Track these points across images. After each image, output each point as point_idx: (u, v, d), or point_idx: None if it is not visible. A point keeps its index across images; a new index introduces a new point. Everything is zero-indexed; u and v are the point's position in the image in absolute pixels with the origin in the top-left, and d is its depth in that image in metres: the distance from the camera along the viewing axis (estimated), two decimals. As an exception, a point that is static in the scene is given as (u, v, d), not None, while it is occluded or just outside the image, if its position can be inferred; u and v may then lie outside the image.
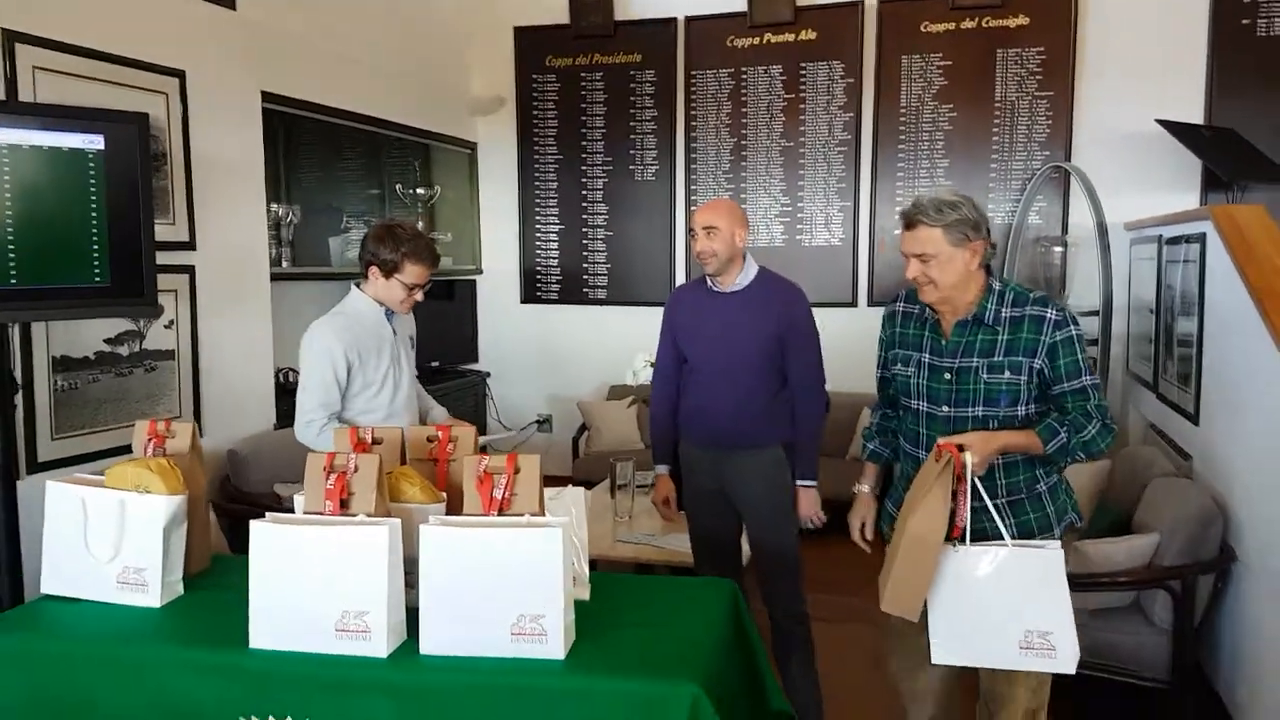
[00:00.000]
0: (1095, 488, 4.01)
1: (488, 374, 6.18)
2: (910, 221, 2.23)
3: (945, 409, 2.29)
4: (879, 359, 2.53)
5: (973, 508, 2.09)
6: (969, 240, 2.19)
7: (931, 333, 2.34)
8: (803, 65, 5.66)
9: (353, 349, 2.73)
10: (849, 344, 5.54)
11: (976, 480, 2.08)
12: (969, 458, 2.06)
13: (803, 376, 2.93)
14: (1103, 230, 5.00)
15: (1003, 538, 2.09)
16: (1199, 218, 3.72)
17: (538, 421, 6.31)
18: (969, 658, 2.17)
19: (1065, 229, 5.32)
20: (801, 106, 5.69)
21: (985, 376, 2.24)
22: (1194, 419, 3.66)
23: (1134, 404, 4.97)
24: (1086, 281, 5.18)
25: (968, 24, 5.40)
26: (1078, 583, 3.08)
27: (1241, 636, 3.09)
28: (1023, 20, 5.32)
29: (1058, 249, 5.25)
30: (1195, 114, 5.05)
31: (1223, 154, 4.83)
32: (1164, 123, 4.73)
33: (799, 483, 2.89)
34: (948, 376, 2.28)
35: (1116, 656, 3.10)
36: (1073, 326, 2.24)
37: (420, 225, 5.64)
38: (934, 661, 2.16)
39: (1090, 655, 3.10)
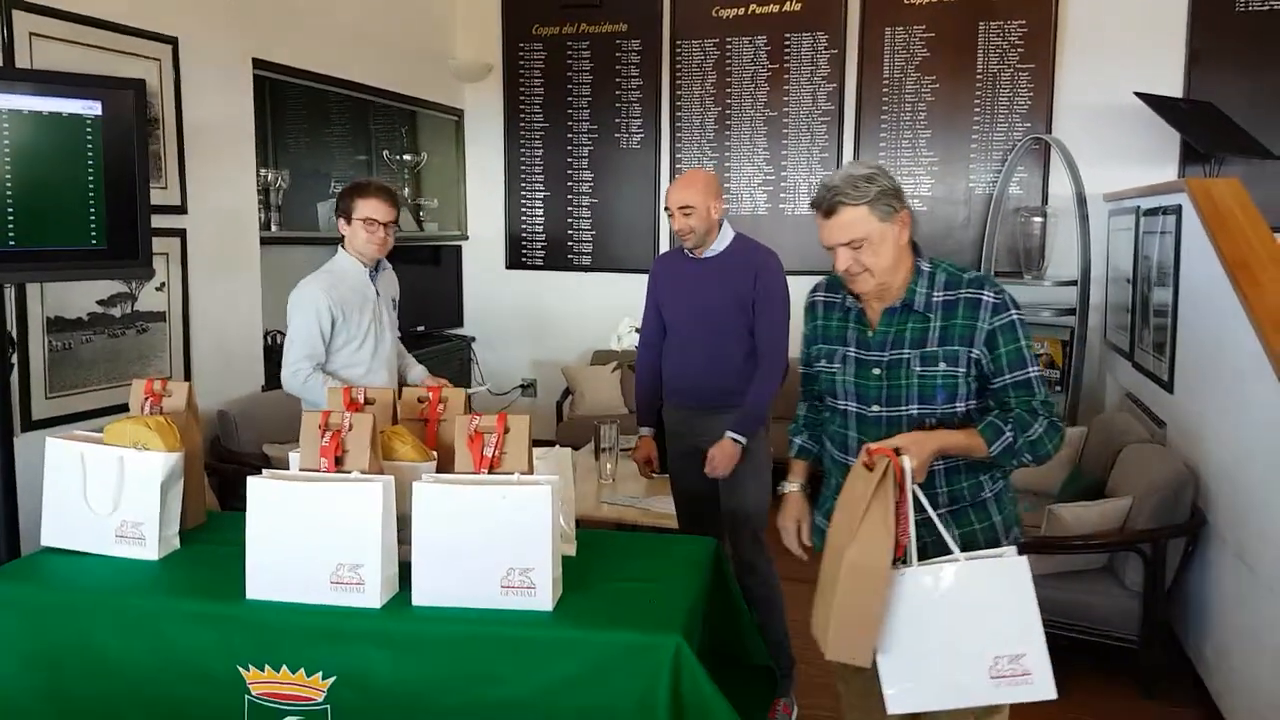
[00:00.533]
0: (1070, 454, 4.11)
1: (473, 338, 6.23)
2: (828, 207, 1.94)
3: (876, 408, 2.02)
4: (802, 354, 2.27)
5: (914, 521, 1.82)
6: (895, 211, 1.93)
7: (857, 324, 2.06)
8: (787, 36, 5.68)
9: (337, 305, 2.91)
10: (830, 312, 5.65)
11: (917, 489, 1.83)
12: (908, 463, 1.79)
13: (764, 338, 2.95)
14: (1081, 201, 5.07)
15: (950, 552, 1.83)
16: (1175, 190, 3.78)
17: (522, 386, 6.38)
18: (933, 700, 1.84)
19: (1045, 200, 5.39)
20: (786, 77, 5.72)
21: (919, 370, 1.97)
22: (1168, 387, 3.74)
23: (1111, 372, 5.08)
24: (1065, 252, 5.26)
25: (952, -5, 5.44)
26: (1052, 545, 3.22)
27: (1209, 598, 3.18)
28: (1006, -9, 5.35)
29: (1037, 219, 5.32)
30: (1174, 87, 5.11)
31: (1200, 127, 4.90)
32: (1142, 95, 4.79)
33: (727, 433, 2.87)
34: (877, 372, 2.01)
35: (1088, 617, 3.20)
36: (1013, 310, 1.97)
37: (406, 191, 5.68)
38: (891, 712, 1.83)
39: (1062, 616, 3.21)
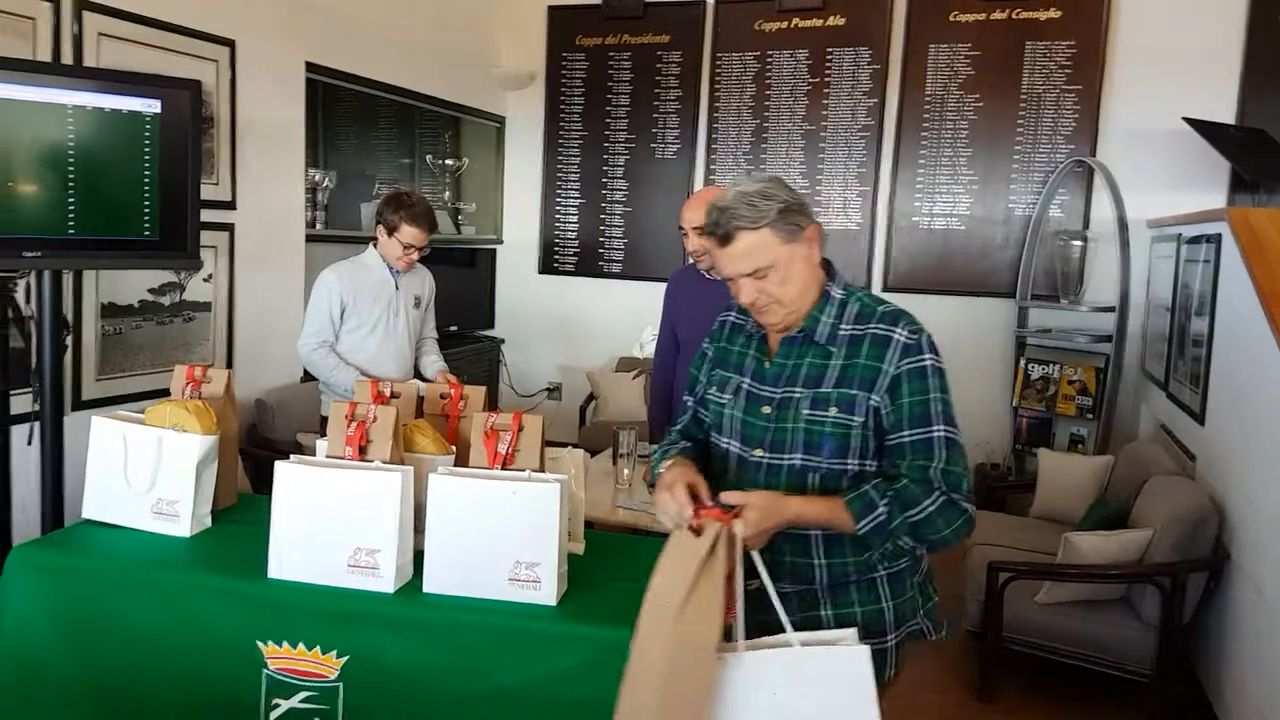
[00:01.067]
0: (1095, 482, 4.08)
1: (502, 340, 6.35)
2: (724, 233, 1.66)
3: (759, 453, 1.73)
4: (690, 383, 2.00)
5: (751, 590, 1.55)
6: (801, 229, 1.67)
7: (757, 351, 1.80)
8: (829, 50, 5.71)
9: (349, 291, 3.29)
10: (861, 328, 5.64)
11: (757, 556, 1.57)
12: (739, 526, 1.54)
13: None
14: (1123, 226, 5.02)
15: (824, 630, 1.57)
16: (1216, 218, 3.72)
17: (547, 389, 6.47)
18: None
19: (1086, 224, 5.34)
20: (826, 91, 5.74)
21: (806, 412, 1.68)
22: (1200, 419, 3.69)
23: (1146, 402, 5.01)
24: (1105, 278, 5.21)
25: (998, 15, 5.42)
26: (1069, 573, 3.22)
27: (1230, 635, 3.13)
28: (1054, 13, 5.32)
29: (1077, 243, 5.28)
30: (1227, 113, 5.01)
31: (1250, 155, 4.80)
32: (1191, 121, 4.73)
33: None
34: (767, 410, 1.73)
35: (1103, 648, 3.17)
36: (929, 355, 1.66)
37: (447, 195, 5.82)
38: None
39: (1075, 646, 3.20)
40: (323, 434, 3.23)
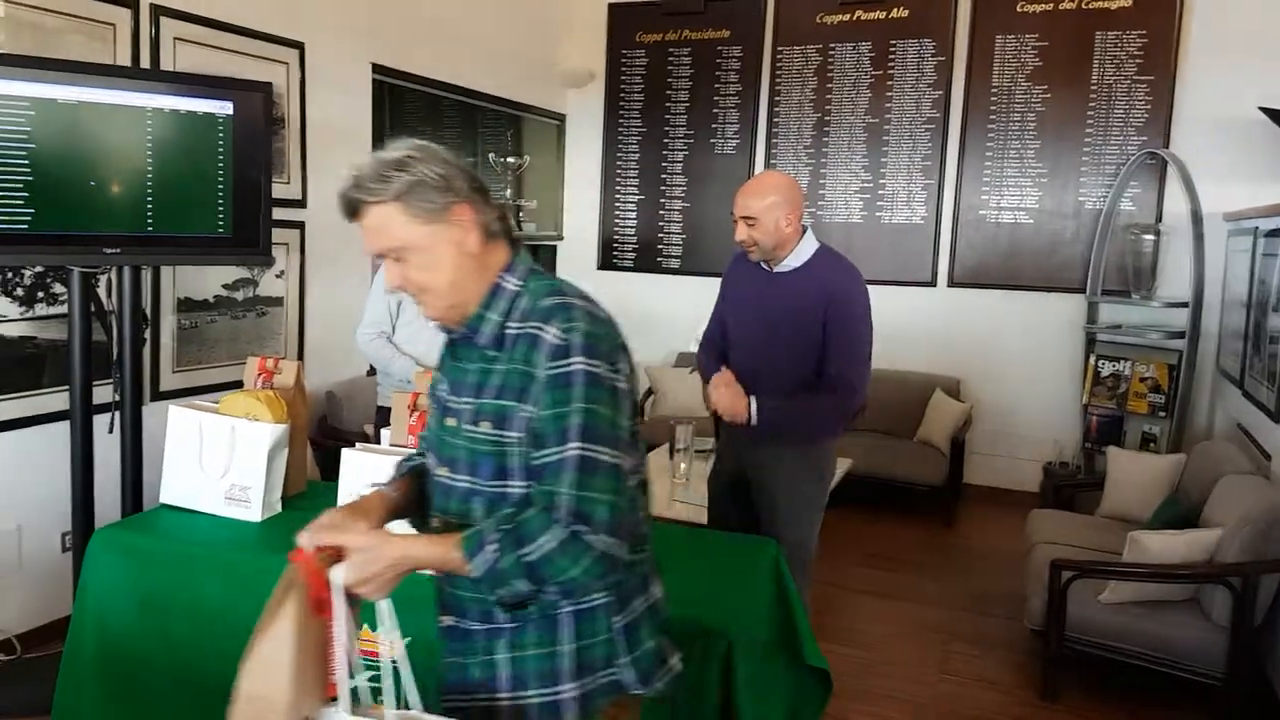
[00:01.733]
0: (1166, 481, 3.98)
1: (563, 336, 6.40)
2: (348, 206, 1.42)
3: (442, 471, 1.47)
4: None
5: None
6: (442, 208, 1.39)
7: (452, 358, 1.54)
8: (892, 42, 5.65)
9: None
10: (926, 325, 5.59)
11: (386, 605, 1.38)
12: (338, 574, 1.32)
13: (835, 365, 2.62)
14: (1197, 219, 4.86)
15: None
16: (1296, 210, 3.63)
17: (607, 384, 6.50)
18: None
19: (1159, 217, 5.19)
20: (889, 84, 5.68)
21: (466, 427, 1.42)
22: (1276, 418, 3.57)
23: (1221, 401, 4.86)
24: (1178, 272, 5.05)
25: (1066, 5, 5.29)
26: (1134, 572, 3.14)
27: (1305, 639, 3.02)
28: (1125, 2, 5.18)
29: (1149, 237, 5.12)
30: (1307, 102, 4.85)
31: (1332, 145, 4.63)
32: (1267, 110, 4.57)
33: (752, 398, 2.60)
34: (450, 422, 1.46)
35: (1171, 649, 3.08)
36: (579, 359, 1.32)
37: (508, 192, 5.90)
38: None
39: (1141, 646, 3.12)
40: (379, 424, 3.36)
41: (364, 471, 2.14)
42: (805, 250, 2.69)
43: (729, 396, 2.61)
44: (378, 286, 3.35)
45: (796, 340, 2.65)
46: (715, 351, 2.90)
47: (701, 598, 2.08)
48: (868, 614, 3.84)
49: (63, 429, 3.13)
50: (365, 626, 2.12)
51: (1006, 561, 4.42)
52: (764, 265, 2.73)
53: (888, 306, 5.80)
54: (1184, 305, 4.95)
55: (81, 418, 2.88)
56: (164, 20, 3.44)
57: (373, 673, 2.11)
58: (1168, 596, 3.20)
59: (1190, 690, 3.12)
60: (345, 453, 2.16)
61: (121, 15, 3.30)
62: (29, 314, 3.10)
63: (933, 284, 5.67)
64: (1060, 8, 5.30)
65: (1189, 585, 3.18)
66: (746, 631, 2.01)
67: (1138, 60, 5.18)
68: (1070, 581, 3.17)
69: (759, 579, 2.28)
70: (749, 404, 2.61)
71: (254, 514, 2.39)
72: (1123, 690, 3.25)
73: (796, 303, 2.65)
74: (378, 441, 2.33)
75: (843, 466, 4.68)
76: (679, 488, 3.76)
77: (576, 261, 6.55)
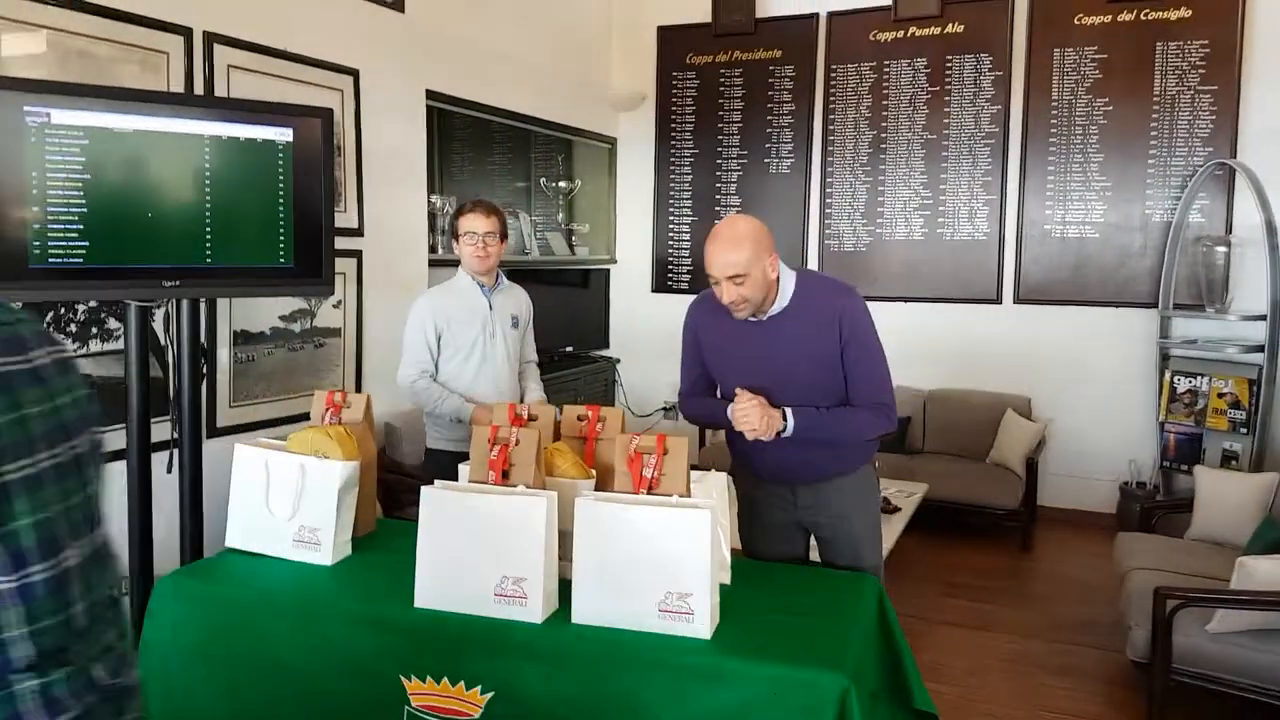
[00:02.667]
0: (1259, 502, 3.79)
1: (618, 360, 6.30)
2: None
3: None
4: None
5: None
6: None
7: None
8: (948, 58, 5.53)
9: (441, 316, 3.15)
10: (992, 343, 5.43)
11: None
12: None
13: (866, 395, 2.42)
14: (1271, 230, 4.71)
15: None
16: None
17: (664, 408, 6.39)
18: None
19: (1229, 228, 5.02)
20: (946, 99, 5.55)
21: None
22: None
23: (1304, 416, 4.66)
24: (1252, 284, 4.88)
25: (1125, 16, 5.16)
26: (1246, 600, 2.96)
27: None
28: (1185, 12, 5.04)
29: (1221, 249, 4.95)
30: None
31: None
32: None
33: (788, 410, 2.36)
34: None
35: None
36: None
37: (560, 216, 5.83)
38: None
39: (1255, 679, 2.95)
40: (428, 468, 3.20)
41: (446, 512, 2.01)
42: (787, 288, 2.40)
43: (760, 410, 2.32)
44: (413, 325, 3.14)
45: (814, 382, 2.41)
46: (709, 395, 2.62)
47: (808, 638, 1.94)
48: (954, 647, 3.66)
49: (117, 469, 3.03)
50: (445, 680, 2.00)
51: (1091, 587, 4.25)
52: (751, 318, 2.41)
53: (952, 325, 5.73)
54: (1261, 318, 4.78)
55: (139, 456, 2.79)
56: (218, 48, 3.38)
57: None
58: (1274, 624, 3.01)
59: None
60: (425, 491, 2.03)
61: (174, 43, 3.24)
62: (83, 350, 3.03)
63: (998, 301, 5.51)
64: (1119, 20, 5.18)
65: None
66: (860, 679, 1.85)
67: (1200, 70, 5.04)
68: (1176, 610, 2.99)
69: (863, 617, 2.13)
70: (783, 414, 2.35)
71: (324, 557, 2.27)
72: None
73: (798, 342, 2.38)
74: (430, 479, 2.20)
75: (919, 491, 4.51)
76: (749, 519, 3.61)
77: (630, 285, 6.47)
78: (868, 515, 2.59)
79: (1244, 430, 4.85)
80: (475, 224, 3.12)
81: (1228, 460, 4.94)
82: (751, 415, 2.33)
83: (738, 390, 2.40)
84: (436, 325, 3.13)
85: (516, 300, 3.33)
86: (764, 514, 2.62)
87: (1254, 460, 4.76)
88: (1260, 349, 4.77)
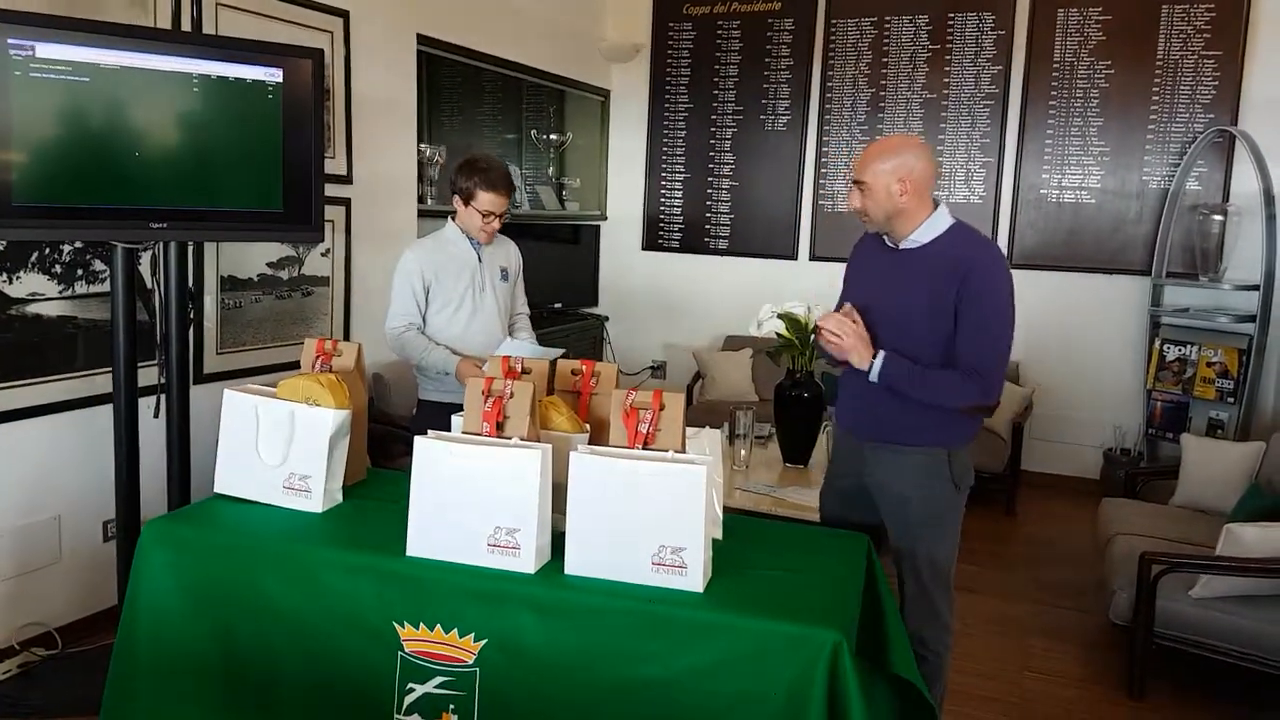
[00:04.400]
0: (1244, 471, 3.82)
1: (606, 318, 6.27)
2: None
3: None
4: None
5: None
6: None
7: None
8: (951, 16, 5.44)
9: (429, 268, 3.09)
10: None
11: None
12: None
13: (966, 351, 2.27)
14: (1269, 199, 4.71)
15: None
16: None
17: (652, 367, 6.39)
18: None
19: (1226, 197, 5.00)
20: (947, 58, 5.47)
21: None
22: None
23: (1291, 387, 4.69)
24: (1248, 254, 4.88)
25: (1132, -23, 5.10)
26: (1232, 566, 2.99)
27: None
28: (1193, -26, 4.98)
29: (1217, 218, 4.94)
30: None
31: None
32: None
33: (882, 351, 2.30)
34: None
35: (1265, 646, 2.94)
36: None
37: (550, 170, 5.74)
38: None
39: (1236, 643, 2.99)
40: (416, 417, 3.17)
41: (439, 462, 1.99)
42: (936, 225, 2.32)
43: (855, 332, 2.29)
44: (400, 277, 3.09)
45: (923, 329, 2.31)
46: None
47: (799, 593, 1.95)
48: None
49: (102, 413, 3.01)
50: (439, 627, 1.99)
51: (1074, 551, 4.29)
52: (887, 241, 2.40)
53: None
54: (1254, 288, 4.80)
55: (126, 401, 2.75)
56: (206, -15, 3.29)
57: (445, 678, 1.99)
58: (1261, 591, 3.06)
59: (1284, 689, 2.98)
60: (418, 441, 2.00)
61: (162, -21, 3.15)
62: (68, 292, 2.97)
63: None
64: (1125, -19, 5.10)
65: (1282, 580, 3.03)
66: (851, 636, 1.86)
67: (1205, 35, 4.98)
68: (1161, 575, 3.03)
69: (853, 575, 2.13)
70: (868, 354, 2.29)
71: (314, 504, 2.25)
72: (1214, 688, 3.13)
73: (918, 282, 2.30)
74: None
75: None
76: (739, 475, 3.61)
77: (621, 242, 6.40)
78: (931, 506, 2.38)
79: (1231, 400, 4.88)
80: (496, 204, 3.06)
81: (1213, 429, 4.98)
82: (844, 325, 2.31)
83: (845, 307, 2.40)
84: (425, 278, 3.08)
85: (506, 252, 3.28)
86: (836, 475, 2.60)
87: (1240, 429, 4.80)
88: (1252, 319, 4.78)
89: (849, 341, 2.31)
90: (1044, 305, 5.38)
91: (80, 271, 3.00)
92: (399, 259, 3.14)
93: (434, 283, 3.09)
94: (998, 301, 2.28)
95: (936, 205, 2.35)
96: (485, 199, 3.03)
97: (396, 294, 3.11)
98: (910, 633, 2.32)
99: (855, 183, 2.34)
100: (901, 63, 5.59)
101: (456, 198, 3.10)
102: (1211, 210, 4.97)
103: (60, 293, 2.95)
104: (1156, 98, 5.10)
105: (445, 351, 3.05)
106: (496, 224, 3.11)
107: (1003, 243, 5.47)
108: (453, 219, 3.16)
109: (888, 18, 5.58)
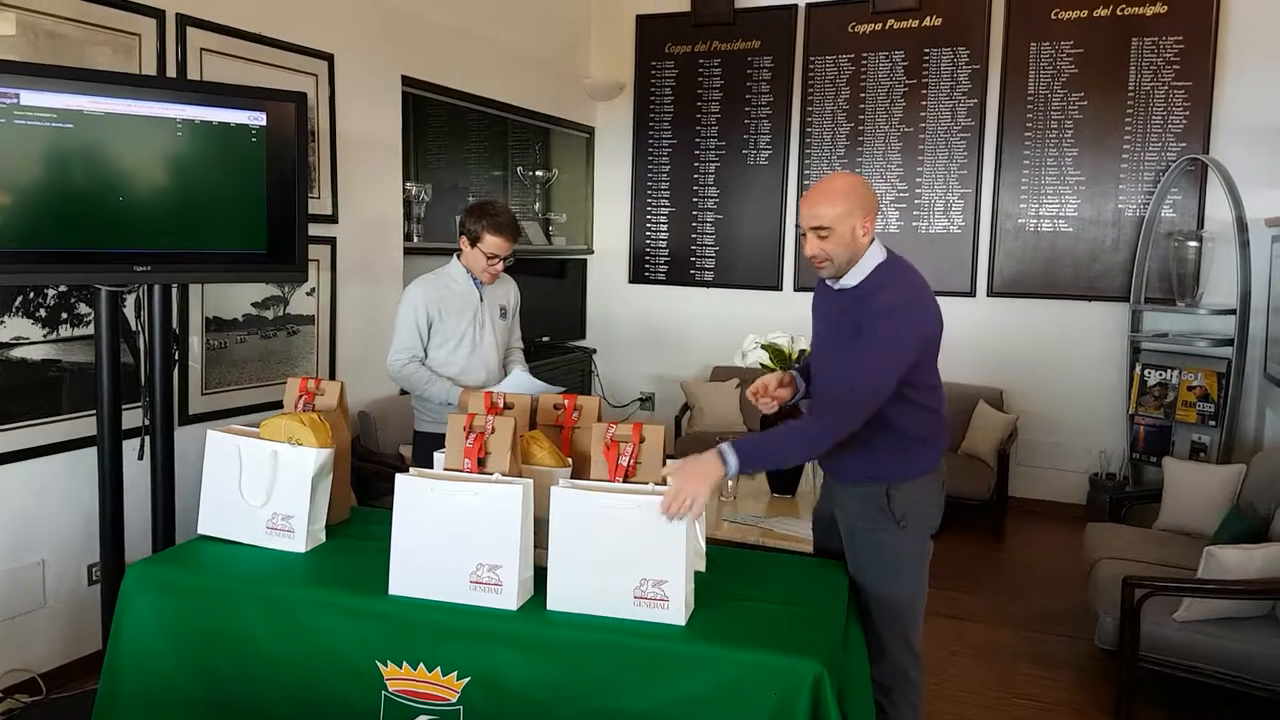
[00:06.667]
0: (1227, 493, 3.84)
1: (594, 350, 6.30)
2: None
3: None
4: None
5: None
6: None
7: None
8: (926, 51, 5.55)
9: (434, 305, 3.17)
10: (966, 335, 5.46)
11: None
12: None
13: (821, 389, 2.27)
14: (1242, 226, 4.76)
15: None
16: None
17: (640, 399, 6.41)
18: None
19: (1201, 224, 5.08)
20: (923, 92, 5.58)
21: None
22: (1338, 425, 3.47)
23: (1271, 408, 4.73)
24: (1223, 279, 4.95)
25: (1101, 11, 5.20)
26: (1213, 589, 3.00)
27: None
28: (1160, 8, 5.09)
29: (1192, 244, 5.01)
30: (1350, 105, 4.75)
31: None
32: (1315, 114, 4.47)
33: (722, 446, 2.11)
34: None
35: (1248, 668, 2.95)
36: None
37: (537, 206, 5.79)
38: None
39: (1221, 665, 2.99)
40: (418, 449, 3.21)
41: (421, 499, 2.00)
42: (870, 261, 2.23)
43: (685, 472, 2.03)
44: (405, 311, 3.16)
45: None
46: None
47: (781, 624, 1.96)
48: (928, 635, 3.58)
49: (86, 456, 3.01)
50: (422, 666, 1.99)
51: (1062, 577, 4.29)
52: (829, 283, 2.30)
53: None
54: (1230, 312, 4.85)
55: (110, 444, 2.75)
56: (190, 30, 3.33)
57: (428, 717, 1.99)
58: (1244, 613, 3.07)
59: (1270, 708, 2.99)
60: (400, 479, 2.02)
61: (146, 25, 3.19)
62: (52, 336, 2.98)
63: (972, 294, 5.55)
64: (1095, 14, 5.22)
65: (1265, 601, 3.04)
66: (833, 666, 1.87)
67: (1175, 66, 5.09)
68: (1144, 599, 3.03)
69: (834, 604, 2.14)
70: (698, 466, 2.06)
71: (298, 544, 2.26)
72: (1199, 710, 3.14)
73: (850, 327, 2.18)
74: (407, 467, 2.19)
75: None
76: (726, 506, 3.62)
77: (608, 275, 6.46)
78: (873, 542, 2.28)
79: (1212, 423, 4.92)
80: (501, 248, 3.15)
81: (1196, 452, 5.01)
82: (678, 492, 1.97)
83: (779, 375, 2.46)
84: (429, 314, 3.17)
85: (506, 291, 3.39)
86: (819, 503, 2.54)
87: (1222, 452, 4.83)
88: (1229, 343, 4.83)
89: (689, 486, 1.97)
90: (1025, 333, 5.44)
91: (65, 315, 3.01)
92: (403, 293, 3.23)
93: (436, 319, 3.17)
94: (877, 335, 2.13)
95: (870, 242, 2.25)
96: (492, 242, 3.13)
97: (400, 327, 3.18)
98: (873, 679, 2.28)
99: (813, 229, 2.19)
100: (879, 97, 5.69)
101: (463, 238, 3.19)
102: (1187, 237, 5.04)
103: (45, 336, 2.96)
104: (1129, 127, 5.20)
105: (447, 383, 3.11)
106: (500, 266, 3.21)
107: (982, 272, 5.55)
108: (458, 257, 3.24)
109: (864, 54, 5.69)
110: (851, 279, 2.24)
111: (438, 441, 2.91)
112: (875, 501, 2.27)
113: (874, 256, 2.24)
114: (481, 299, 3.25)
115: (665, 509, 1.93)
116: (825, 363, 2.33)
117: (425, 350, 3.18)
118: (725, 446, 2.10)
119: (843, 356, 2.18)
